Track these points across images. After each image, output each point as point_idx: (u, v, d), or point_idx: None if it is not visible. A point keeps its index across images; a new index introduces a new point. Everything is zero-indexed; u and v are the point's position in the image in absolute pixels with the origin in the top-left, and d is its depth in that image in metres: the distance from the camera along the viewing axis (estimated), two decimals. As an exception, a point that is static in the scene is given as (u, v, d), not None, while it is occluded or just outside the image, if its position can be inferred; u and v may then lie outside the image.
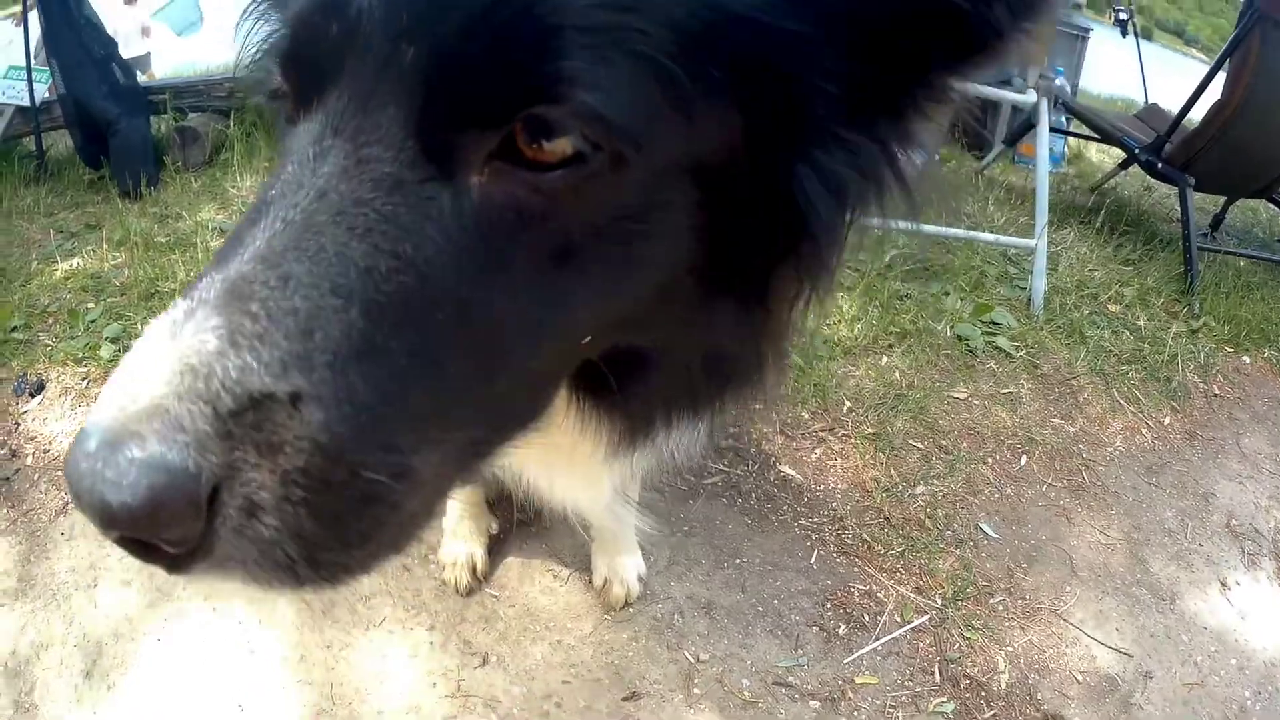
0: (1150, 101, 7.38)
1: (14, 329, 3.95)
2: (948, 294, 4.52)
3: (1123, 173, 6.67)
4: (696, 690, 2.50)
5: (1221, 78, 5.12)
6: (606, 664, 2.54)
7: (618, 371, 1.14)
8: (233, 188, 5.56)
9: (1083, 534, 3.25)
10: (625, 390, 1.17)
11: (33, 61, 5.92)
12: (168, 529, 0.72)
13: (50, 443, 3.32)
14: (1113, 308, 4.76)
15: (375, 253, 0.82)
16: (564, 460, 1.41)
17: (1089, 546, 3.20)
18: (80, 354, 3.71)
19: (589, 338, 1.03)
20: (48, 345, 3.82)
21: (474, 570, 2.69)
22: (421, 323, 0.84)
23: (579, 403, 1.21)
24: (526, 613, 2.66)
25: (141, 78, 10.16)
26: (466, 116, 0.85)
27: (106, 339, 3.80)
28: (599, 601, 2.69)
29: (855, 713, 2.50)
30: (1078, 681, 2.71)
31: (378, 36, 0.85)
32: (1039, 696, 2.63)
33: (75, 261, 4.60)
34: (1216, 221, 6.46)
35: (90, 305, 4.12)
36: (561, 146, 0.84)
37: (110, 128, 5.63)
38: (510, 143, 0.85)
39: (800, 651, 2.63)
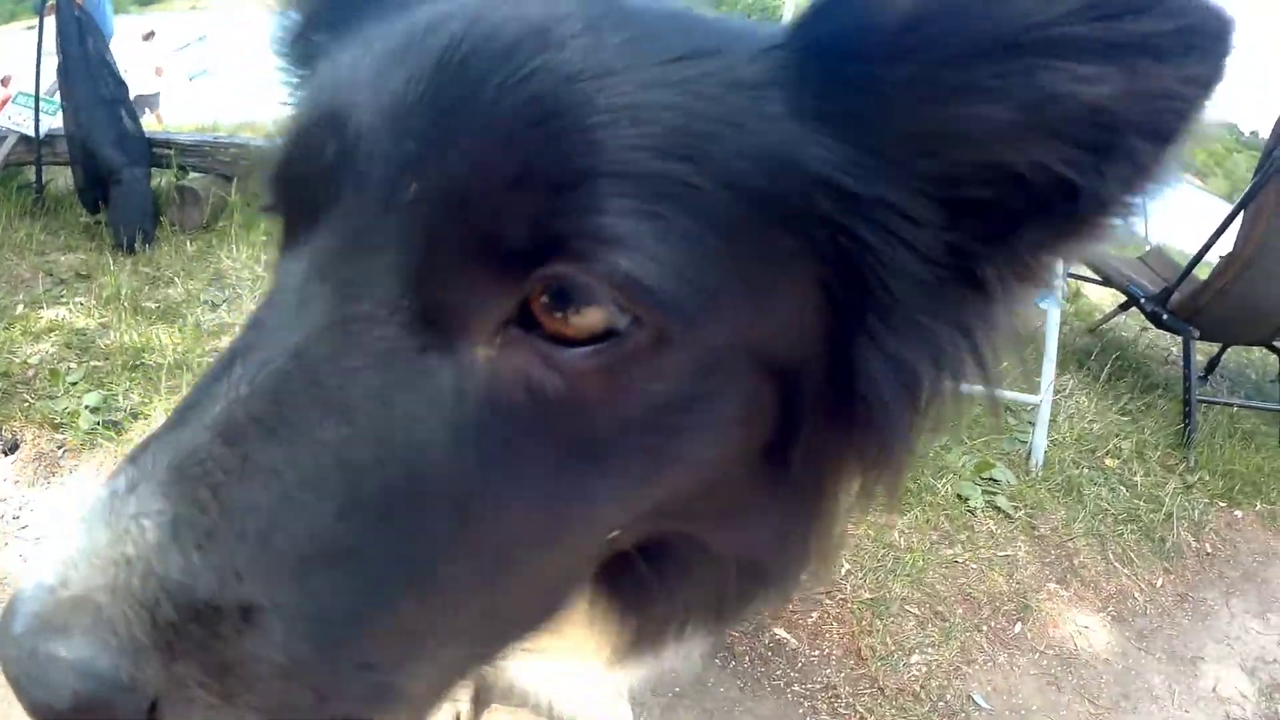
0: (1153, 244, 7.35)
1: (-9, 377, 3.84)
2: (950, 449, 4.45)
3: (1122, 314, 6.63)
4: None
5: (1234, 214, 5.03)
6: (586, 830, 2.43)
7: (650, 563, 0.95)
8: (228, 258, 5.46)
9: (1071, 704, 3.16)
10: (654, 586, 0.98)
11: (45, 92, 5.85)
12: None
13: (20, 510, 3.19)
14: (1110, 462, 4.70)
15: (356, 439, 0.67)
16: (565, 659, 1.22)
17: (1077, 717, 3.12)
18: (59, 419, 3.61)
19: (616, 532, 0.86)
20: (26, 401, 3.71)
21: (457, 724, 2.56)
22: (410, 524, 0.69)
23: (596, 598, 1.02)
24: (508, 771, 2.53)
25: (149, 116, 10.16)
26: (474, 273, 0.70)
27: (86, 407, 3.68)
28: (583, 765, 2.57)
29: None
30: None
31: (378, 166, 0.71)
32: None
33: (61, 312, 4.50)
34: (1211, 365, 6.40)
35: (72, 365, 4.02)
36: (591, 319, 0.69)
37: (113, 176, 5.53)
38: (528, 309, 0.70)
39: (784, 824, 2.51)
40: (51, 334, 4.28)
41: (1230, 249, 4.96)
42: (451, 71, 0.72)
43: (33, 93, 5.80)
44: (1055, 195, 0.75)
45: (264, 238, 5.73)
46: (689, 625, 1.08)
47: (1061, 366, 5.72)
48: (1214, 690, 3.38)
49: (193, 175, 6.05)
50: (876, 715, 2.90)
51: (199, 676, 0.61)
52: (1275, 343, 5.94)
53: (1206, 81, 0.69)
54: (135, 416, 3.68)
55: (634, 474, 0.79)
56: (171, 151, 6.00)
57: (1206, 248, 5.29)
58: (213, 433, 0.65)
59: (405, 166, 0.70)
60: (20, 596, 0.61)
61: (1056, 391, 5.20)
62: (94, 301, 4.65)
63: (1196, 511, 4.42)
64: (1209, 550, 4.24)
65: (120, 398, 3.79)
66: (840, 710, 2.90)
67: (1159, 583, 3.91)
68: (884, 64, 0.73)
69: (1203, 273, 5.27)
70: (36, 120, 5.78)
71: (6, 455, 3.43)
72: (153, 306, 4.68)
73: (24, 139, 5.89)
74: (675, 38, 0.77)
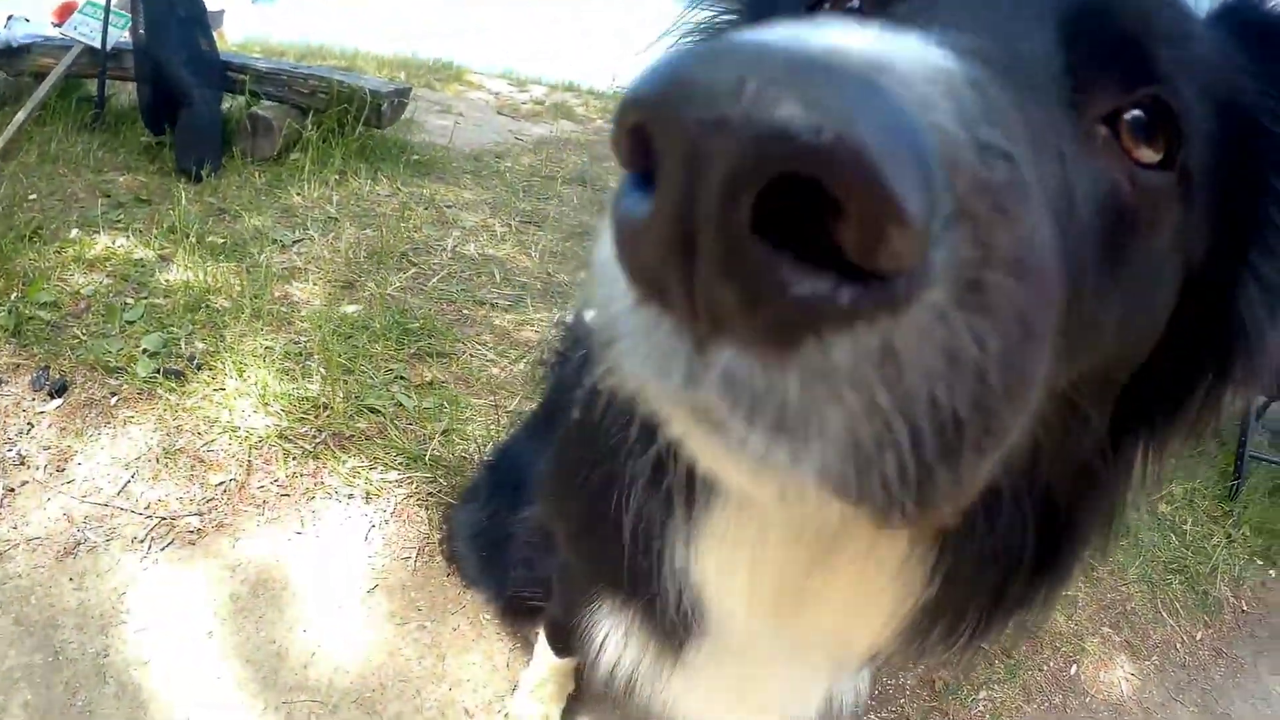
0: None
1: (43, 305, 3.57)
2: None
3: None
4: None
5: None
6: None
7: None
8: (298, 195, 5.17)
9: (1115, 753, 3.20)
10: (978, 541, 0.97)
11: (116, 4, 5.55)
12: (879, 226, 0.43)
13: (66, 460, 2.94)
14: (1164, 507, 4.62)
15: (1038, 135, 0.66)
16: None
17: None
18: (113, 361, 3.33)
19: (1062, 383, 0.84)
20: (77, 339, 3.45)
21: (545, 732, 2.48)
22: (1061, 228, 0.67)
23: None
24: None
25: (213, 34, 9.94)
26: (1108, 65, 0.80)
27: (144, 351, 3.40)
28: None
29: None
30: None
31: None
32: None
33: (119, 240, 4.22)
34: (1258, 413, 6.13)
35: (129, 301, 3.73)
36: (1157, 148, 0.82)
37: (184, 98, 5.25)
38: (1115, 119, 0.81)
39: None
40: (107, 263, 4.00)
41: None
42: None
43: (102, 2, 5.53)
44: None
45: (336, 177, 5.47)
46: (970, 613, 1.07)
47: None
48: (1239, 748, 3.41)
49: (265, 103, 5.77)
50: (946, 751, 2.91)
51: (986, 211, 0.51)
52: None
53: None
54: (200, 367, 3.39)
55: (1125, 302, 0.85)
56: (246, 78, 5.73)
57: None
58: (950, 49, 0.58)
59: None
60: (779, 32, 0.49)
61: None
62: (154, 230, 4.35)
63: (1237, 567, 4.37)
64: (1245, 608, 4.21)
65: (182, 343, 3.50)
66: (912, 741, 2.89)
67: (1198, 635, 3.89)
68: None
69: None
70: (105, 32, 5.49)
71: (53, 398, 3.15)
72: (218, 241, 4.39)
73: (89, 51, 5.60)
74: None
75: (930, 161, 0.44)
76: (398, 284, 4.32)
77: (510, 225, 5.41)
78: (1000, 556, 1.00)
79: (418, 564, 2.85)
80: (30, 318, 3.47)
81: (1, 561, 2.56)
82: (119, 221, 4.42)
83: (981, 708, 3.10)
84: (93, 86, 5.82)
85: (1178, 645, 3.76)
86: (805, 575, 1.03)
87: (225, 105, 5.74)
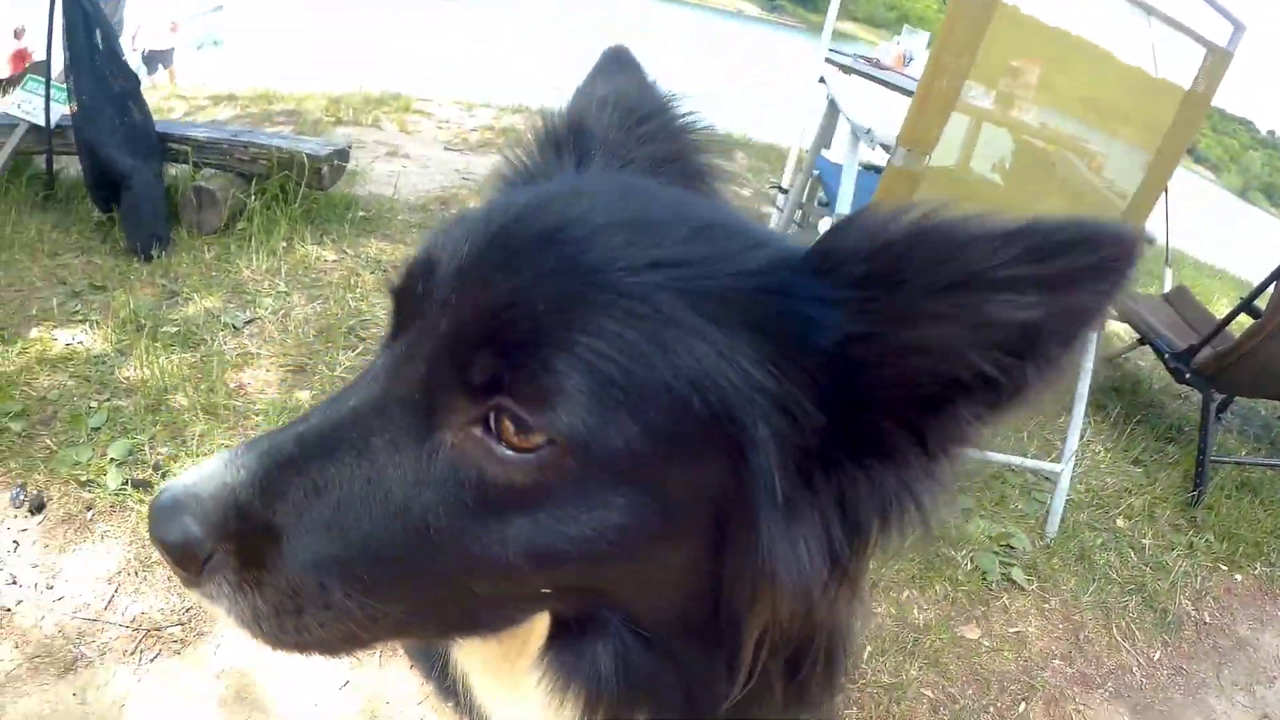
0: (1178, 284, 7.16)
1: (9, 415, 3.74)
2: (969, 519, 4.43)
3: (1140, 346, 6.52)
4: None
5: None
6: None
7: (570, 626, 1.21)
8: (246, 269, 5.33)
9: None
10: (597, 661, 1.20)
11: (56, 78, 5.65)
12: (180, 563, 1.03)
13: (54, 577, 3.13)
14: (1121, 523, 4.71)
15: (372, 465, 1.05)
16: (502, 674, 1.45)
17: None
18: (85, 473, 3.53)
19: (546, 589, 1.13)
20: (47, 448, 3.63)
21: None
22: (387, 527, 1.05)
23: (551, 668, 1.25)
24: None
25: (162, 73, 9.92)
26: (454, 388, 1.02)
27: (112, 459, 3.60)
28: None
29: None
30: None
31: (438, 294, 1.06)
32: None
33: (79, 336, 4.40)
34: (1224, 405, 6.17)
35: (93, 405, 3.93)
36: (528, 438, 0.98)
37: (124, 180, 5.36)
38: (488, 419, 1.00)
39: None
40: (68, 362, 4.18)
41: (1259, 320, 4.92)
42: (487, 246, 1.06)
43: (43, 77, 5.62)
44: (983, 387, 0.94)
45: (284, 244, 5.64)
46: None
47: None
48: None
49: (208, 173, 5.88)
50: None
51: (235, 553, 1.03)
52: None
53: (1114, 293, 0.86)
54: (165, 475, 3.57)
55: (537, 541, 1.04)
56: (188, 149, 5.84)
57: (1237, 312, 5.35)
58: (296, 440, 1.07)
59: (445, 305, 1.05)
60: (169, 485, 1.05)
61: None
62: (110, 322, 4.52)
63: (1199, 578, 4.47)
64: (1207, 619, 4.29)
65: (146, 448, 3.70)
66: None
67: (1156, 656, 3.96)
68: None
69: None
70: (47, 108, 5.60)
71: (33, 514, 3.36)
72: (171, 331, 4.57)
73: (34, 128, 5.72)
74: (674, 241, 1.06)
75: (183, 544, 1.01)
76: (346, 363, 4.51)
77: (456, 284, 5.49)
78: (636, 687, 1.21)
79: (383, 658, 3.07)
80: (2, 430, 3.65)
81: (11, 680, 2.75)
82: (77, 313, 4.59)
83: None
84: (42, 163, 5.91)
85: (1134, 669, 3.83)
86: (505, 673, 1.35)
87: (171, 173, 5.85)
